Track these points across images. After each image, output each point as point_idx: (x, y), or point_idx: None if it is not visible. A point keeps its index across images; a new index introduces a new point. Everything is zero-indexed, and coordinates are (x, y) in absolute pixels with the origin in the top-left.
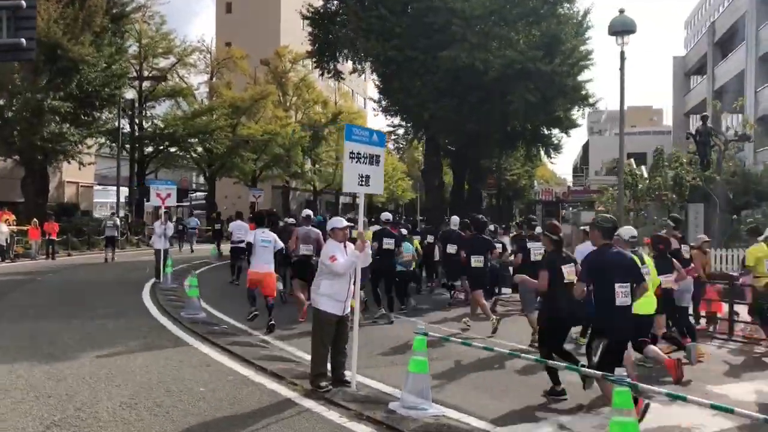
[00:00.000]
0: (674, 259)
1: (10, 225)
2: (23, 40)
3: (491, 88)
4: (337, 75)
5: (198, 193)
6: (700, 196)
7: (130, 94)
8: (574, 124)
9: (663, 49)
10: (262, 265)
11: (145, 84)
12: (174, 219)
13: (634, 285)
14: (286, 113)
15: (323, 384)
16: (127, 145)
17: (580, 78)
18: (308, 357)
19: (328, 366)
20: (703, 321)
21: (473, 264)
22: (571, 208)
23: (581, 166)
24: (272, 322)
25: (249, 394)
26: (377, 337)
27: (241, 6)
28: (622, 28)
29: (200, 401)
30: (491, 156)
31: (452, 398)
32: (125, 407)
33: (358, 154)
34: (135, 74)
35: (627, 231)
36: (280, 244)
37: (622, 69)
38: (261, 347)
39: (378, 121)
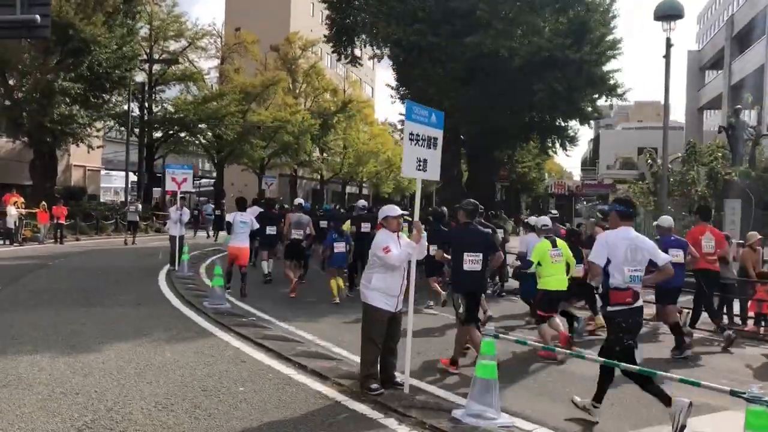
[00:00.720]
0: (585, 250)
1: (18, 208)
2: (38, 17)
3: (515, 77)
4: (354, 60)
5: (203, 180)
6: (734, 192)
7: (139, 77)
8: (600, 115)
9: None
10: (240, 242)
11: (155, 67)
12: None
13: (489, 255)
14: (295, 100)
15: (374, 386)
16: (136, 130)
17: (607, 68)
18: (347, 354)
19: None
20: (750, 322)
21: (431, 252)
22: (585, 202)
23: (593, 160)
24: (245, 289)
25: (293, 395)
26: (420, 335)
27: None
28: (669, 13)
29: (242, 402)
30: (507, 147)
31: (515, 405)
32: (161, 408)
33: (417, 135)
34: (145, 57)
35: (539, 220)
36: (256, 225)
37: (667, 56)
38: (296, 342)
39: (397, 107)
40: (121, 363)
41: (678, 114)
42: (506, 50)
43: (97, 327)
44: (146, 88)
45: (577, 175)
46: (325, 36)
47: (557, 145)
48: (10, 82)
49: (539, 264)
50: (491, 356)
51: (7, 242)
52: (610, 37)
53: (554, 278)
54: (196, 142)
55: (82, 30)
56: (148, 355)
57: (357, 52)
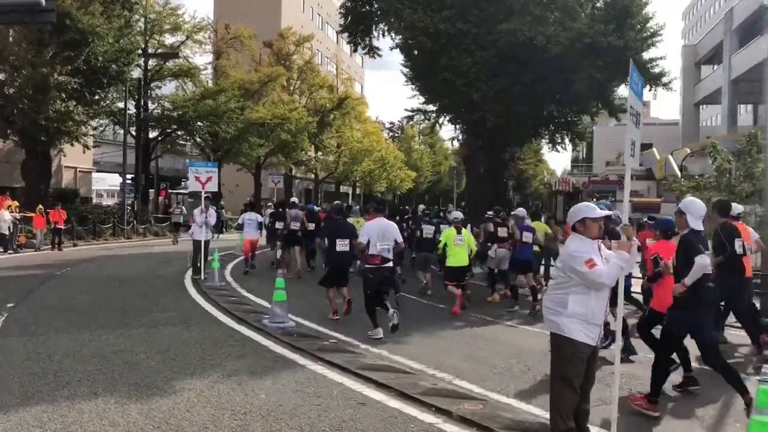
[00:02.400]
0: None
1: (12, 212)
2: (42, 0)
3: (549, 66)
4: (372, 51)
5: None
6: None
7: (135, 72)
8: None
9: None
10: (250, 234)
11: (150, 62)
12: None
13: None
14: (291, 97)
15: None
16: (132, 128)
17: (649, 55)
18: (480, 390)
19: None
20: None
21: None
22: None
23: (588, 156)
24: (249, 270)
25: None
26: (521, 350)
27: None
28: None
29: None
30: (519, 143)
31: None
32: None
33: (632, 109)
34: (140, 51)
35: (451, 214)
36: (260, 218)
37: None
38: (403, 372)
39: (409, 102)
40: (211, 410)
41: (662, 111)
42: (544, 37)
43: (153, 356)
44: (142, 84)
45: (567, 172)
46: (340, 25)
47: (566, 140)
48: (0, 77)
49: (446, 245)
50: None
51: (1, 249)
52: (652, 23)
53: (455, 257)
54: (191, 141)
55: (79, 20)
56: (238, 398)
57: (375, 42)
